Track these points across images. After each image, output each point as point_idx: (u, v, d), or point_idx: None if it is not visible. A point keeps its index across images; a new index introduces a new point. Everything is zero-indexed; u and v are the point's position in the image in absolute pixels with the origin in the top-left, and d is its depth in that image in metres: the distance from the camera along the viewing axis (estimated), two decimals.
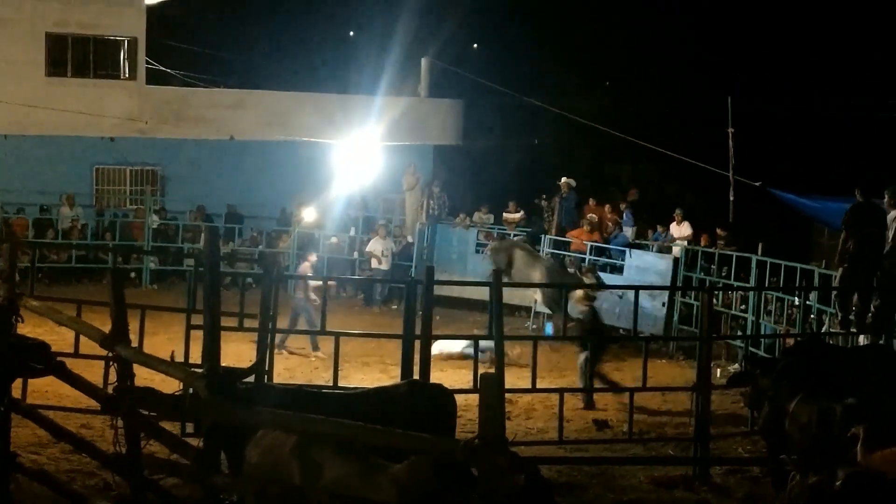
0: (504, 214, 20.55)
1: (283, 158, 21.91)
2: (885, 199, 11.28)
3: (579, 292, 13.28)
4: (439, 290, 12.81)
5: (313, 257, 15.43)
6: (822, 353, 9.09)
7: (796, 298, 13.74)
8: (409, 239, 19.97)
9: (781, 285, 14.36)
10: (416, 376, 8.88)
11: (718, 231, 18.60)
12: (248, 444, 5.83)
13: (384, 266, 18.28)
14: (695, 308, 15.21)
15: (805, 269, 14.15)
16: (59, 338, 9.28)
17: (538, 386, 10.24)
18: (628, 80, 27.28)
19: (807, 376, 8.16)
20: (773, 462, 8.12)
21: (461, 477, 5.24)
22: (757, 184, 20.27)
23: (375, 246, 18.38)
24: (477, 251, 18.65)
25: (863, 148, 24.47)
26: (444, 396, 7.80)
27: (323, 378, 12.01)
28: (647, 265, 16.68)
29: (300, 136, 21.82)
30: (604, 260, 17.73)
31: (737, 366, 13.45)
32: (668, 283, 15.90)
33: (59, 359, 6.96)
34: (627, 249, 17.55)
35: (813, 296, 13.18)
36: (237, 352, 10.51)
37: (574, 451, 9.93)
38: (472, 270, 17.63)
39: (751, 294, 14.55)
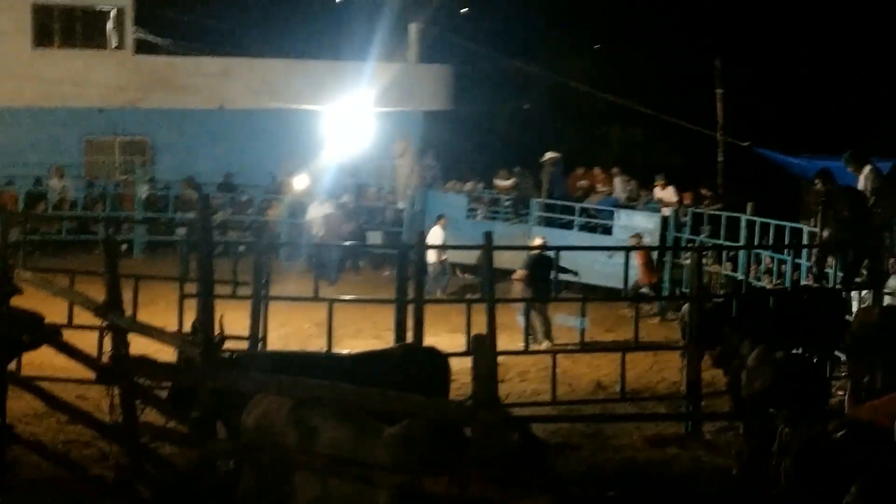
0: (495, 181, 20.54)
1: (272, 126, 21.81)
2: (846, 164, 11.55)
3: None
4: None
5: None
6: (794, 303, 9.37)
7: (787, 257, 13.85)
8: (401, 205, 19.97)
9: (771, 244, 14.47)
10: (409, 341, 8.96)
11: (703, 191, 18.65)
12: (244, 410, 5.89)
13: (434, 258, 16.61)
14: (685, 269, 15.30)
15: (794, 227, 14.23)
16: (51, 309, 9.31)
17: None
18: (617, 42, 27.15)
19: (769, 330, 8.33)
20: (741, 417, 8.26)
21: (455, 438, 5.31)
22: (745, 144, 20.31)
23: (437, 234, 16.81)
24: (467, 217, 18.68)
25: (849, 105, 24.48)
26: (438, 359, 7.89)
27: (317, 345, 12.07)
28: (635, 224, 16.76)
29: (290, 104, 21.73)
30: (594, 221, 17.79)
31: None
32: (658, 242, 16.00)
33: (53, 329, 7.00)
34: (615, 210, 17.61)
35: (803, 254, 13.28)
36: (231, 319, 10.54)
37: (568, 412, 10.04)
38: (464, 235, 17.66)
39: (740, 253, 14.65)
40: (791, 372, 7.88)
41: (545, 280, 12.75)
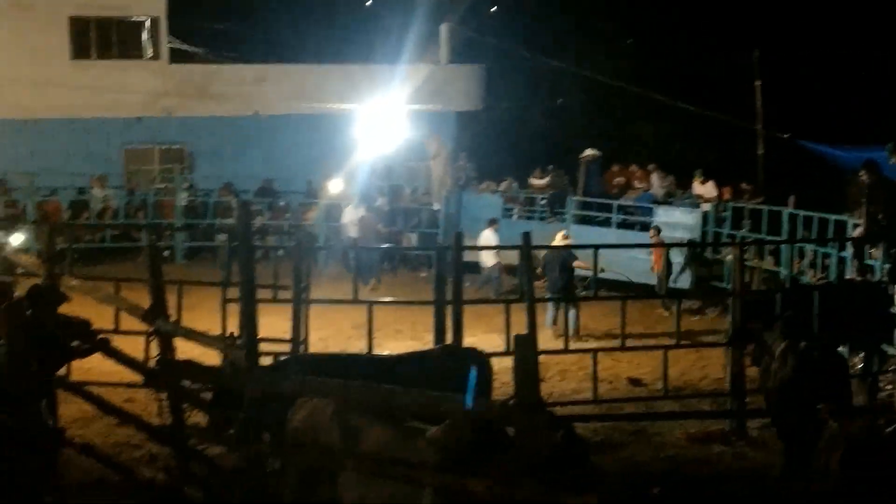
0: (530, 180, 20.50)
1: (307, 130, 21.95)
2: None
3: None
4: (467, 256, 12.89)
5: (496, 225, 15.98)
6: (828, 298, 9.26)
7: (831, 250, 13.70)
8: (436, 206, 20.00)
9: (815, 237, 14.30)
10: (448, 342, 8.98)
11: (743, 185, 18.47)
12: (290, 412, 5.95)
13: (491, 261, 16.56)
14: (726, 266, 15.20)
15: (838, 220, 14.06)
16: (97, 315, 9.45)
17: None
18: (651, 37, 26.96)
19: (802, 325, 8.24)
20: (776, 416, 8.16)
21: (498, 438, 5.32)
22: (785, 136, 20.09)
23: (488, 237, 16.57)
24: (503, 217, 18.66)
25: (891, 95, 24.07)
26: (479, 359, 7.90)
27: (357, 347, 12.14)
28: (675, 220, 16.65)
29: (324, 108, 21.85)
30: (632, 218, 17.71)
31: None
32: (698, 238, 15.91)
33: (101, 335, 7.12)
34: (654, 206, 17.51)
35: (848, 247, 13.11)
36: (271, 324, 10.65)
37: (609, 410, 10.00)
38: (499, 235, 17.63)
39: (783, 247, 14.49)
40: (811, 365, 7.79)
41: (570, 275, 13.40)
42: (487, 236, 16.32)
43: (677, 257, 15.27)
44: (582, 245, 14.44)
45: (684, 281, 15.61)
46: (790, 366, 7.92)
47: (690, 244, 15.74)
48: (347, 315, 13.17)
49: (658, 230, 15.69)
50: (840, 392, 7.80)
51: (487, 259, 16.29)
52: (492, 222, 16.73)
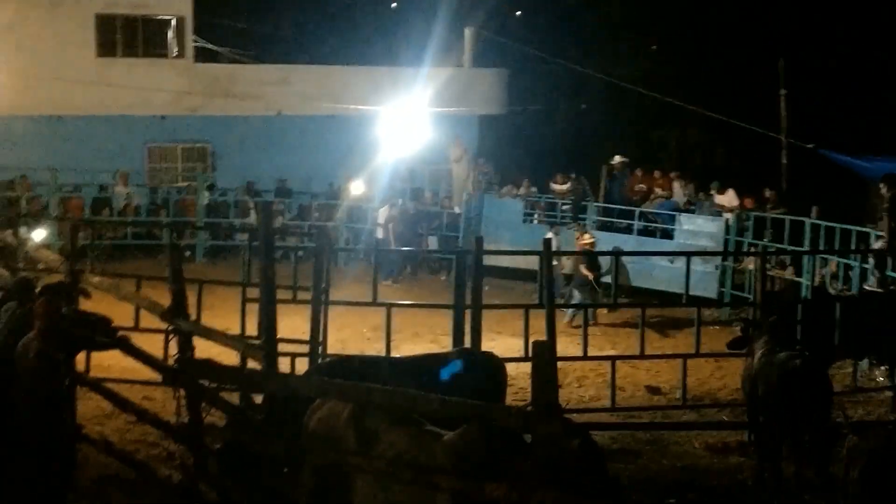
0: (552, 185, 20.46)
1: (330, 132, 22.01)
2: None
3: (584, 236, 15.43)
4: (487, 261, 12.88)
5: (556, 228, 16.31)
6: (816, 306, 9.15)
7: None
8: (457, 210, 19.99)
9: (837, 248, 14.18)
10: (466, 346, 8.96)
11: (766, 192, 18.34)
12: (306, 413, 5.94)
13: (567, 269, 16.09)
14: (747, 275, 15.10)
15: (861, 231, 13.94)
16: (116, 312, 9.50)
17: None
18: (675, 43, 26.85)
19: (785, 332, 8.14)
20: (754, 426, 8.06)
21: (514, 443, 5.29)
22: (809, 146, 19.95)
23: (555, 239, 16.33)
24: (524, 221, 18.63)
25: None
26: (495, 364, 7.87)
27: (374, 349, 12.14)
28: (698, 228, 16.57)
29: (347, 110, 21.89)
30: (653, 225, 17.63)
31: None
32: (720, 246, 15.84)
33: (121, 333, 7.14)
34: (677, 214, 17.43)
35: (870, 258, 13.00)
36: (290, 325, 10.67)
37: (627, 418, 9.95)
38: (520, 240, 17.61)
39: (805, 258, 14.39)
40: (790, 374, 7.69)
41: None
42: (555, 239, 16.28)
43: (699, 265, 15.18)
44: (602, 252, 14.50)
45: (710, 290, 15.54)
46: (764, 373, 7.87)
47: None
48: (364, 317, 13.19)
49: (584, 229, 16.04)
50: (817, 403, 7.66)
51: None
52: (552, 226, 16.77)
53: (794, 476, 7.83)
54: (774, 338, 7.98)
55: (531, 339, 9.11)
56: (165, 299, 7.51)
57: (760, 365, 7.93)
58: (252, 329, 9.66)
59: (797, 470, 7.79)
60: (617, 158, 18.99)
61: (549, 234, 15.60)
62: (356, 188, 19.98)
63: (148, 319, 9.16)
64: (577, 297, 14.85)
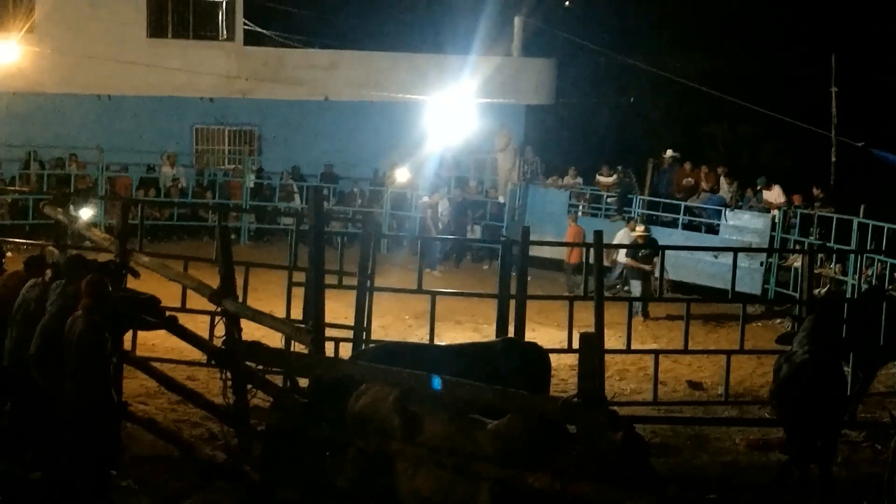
0: (597, 177, 20.34)
1: (376, 118, 22.05)
2: None
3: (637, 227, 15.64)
4: (531, 251, 12.87)
5: (632, 223, 16.18)
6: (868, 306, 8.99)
7: None
8: (501, 199, 19.96)
9: (884, 248, 13.97)
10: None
11: (815, 190, 18.10)
12: (352, 397, 5.99)
13: (622, 261, 16.00)
14: (792, 272, 14.92)
15: None
16: (163, 292, 9.62)
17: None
18: (727, 38, 26.50)
19: (826, 331, 8.01)
20: (789, 429, 7.95)
21: (558, 434, 5.30)
22: (859, 145, 19.64)
23: (622, 236, 16.28)
24: (569, 212, 18.56)
25: None
26: (539, 354, 7.87)
27: (416, 336, 12.19)
28: (743, 224, 16.41)
29: (394, 97, 21.91)
30: (699, 220, 17.49)
31: None
32: (766, 242, 15.70)
33: (169, 313, 7.23)
34: (723, 209, 17.28)
35: None
36: (333, 309, 10.73)
37: (668, 413, 9.91)
38: (564, 231, 17.54)
39: (851, 257, 14.18)
40: (797, 371, 7.59)
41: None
42: (621, 236, 16.15)
43: (744, 261, 15.04)
44: (670, 246, 14.50)
45: (755, 287, 15.40)
46: (777, 369, 7.80)
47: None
48: (406, 304, 13.25)
49: (575, 217, 16.33)
50: (823, 401, 7.56)
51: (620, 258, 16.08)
52: (629, 220, 16.72)
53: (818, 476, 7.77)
54: (811, 336, 7.89)
55: (576, 331, 9.12)
56: (211, 280, 7.60)
57: (779, 363, 7.89)
58: (296, 313, 9.75)
59: (822, 470, 7.72)
60: (668, 152, 18.86)
61: (624, 230, 15.86)
62: (401, 175, 20.02)
63: (193, 300, 9.28)
64: (637, 288, 14.79)
